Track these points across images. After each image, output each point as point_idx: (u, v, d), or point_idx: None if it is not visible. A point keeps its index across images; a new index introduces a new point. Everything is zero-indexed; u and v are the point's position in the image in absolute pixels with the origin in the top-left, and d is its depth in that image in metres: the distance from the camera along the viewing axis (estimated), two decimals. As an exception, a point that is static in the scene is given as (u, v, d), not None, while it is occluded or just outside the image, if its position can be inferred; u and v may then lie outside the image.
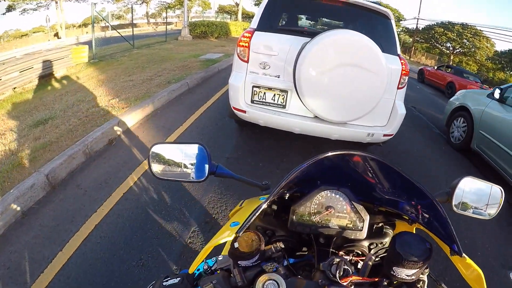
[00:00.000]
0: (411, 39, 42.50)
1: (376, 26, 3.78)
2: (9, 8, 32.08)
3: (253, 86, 3.57)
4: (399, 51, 3.64)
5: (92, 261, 2.49)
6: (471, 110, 5.40)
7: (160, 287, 0.84)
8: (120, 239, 2.69)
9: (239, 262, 0.80)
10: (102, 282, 2.32)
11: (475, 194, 1.08)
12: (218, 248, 0.99)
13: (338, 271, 0.76)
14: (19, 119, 5.75)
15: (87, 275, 2.38)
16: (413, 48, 40.12)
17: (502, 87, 5.01)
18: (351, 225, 0.98)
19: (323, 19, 6.64)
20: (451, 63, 28.91)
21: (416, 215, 1.00)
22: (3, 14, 32.85)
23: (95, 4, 11.90)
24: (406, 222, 1.08)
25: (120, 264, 2.44)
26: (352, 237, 0.99)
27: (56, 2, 34.70)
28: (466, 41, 35.61)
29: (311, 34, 3.29)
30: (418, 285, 0.83)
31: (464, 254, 0.85)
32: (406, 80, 3.56)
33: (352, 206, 0.98)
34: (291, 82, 3.27)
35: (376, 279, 0.80)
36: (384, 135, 3.59)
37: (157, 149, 1.12)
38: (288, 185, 0.97)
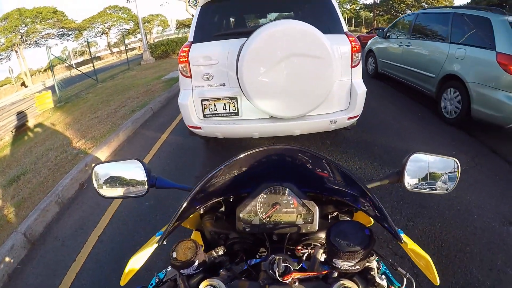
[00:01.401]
0: (371, 14, 42.60)
1: (314, 8, 3.65)
2: (-31, 66, 31.42)
3: (202, 100, 3.45)
4: (345, 29, 3.45)
5: (76, 311, 2.50)
6: (373, 49, 8.45)
7: None
8: (100, 284, 2.71)
9: (181, 271, 0.80)
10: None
11: (429, 169, 1.04)
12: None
13: (277, 269, 0.73)
14: (-7, 181, 5.67)
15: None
16: (375, 23, 40.20)
17: (385, 29, 7.91)
18: (301, 219, 0.96)
19: (267, 15, 6.39)
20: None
21: (357, 202, 0.97)
22: (-36, 72, 32.14)
23: (50, 47, 11.76)
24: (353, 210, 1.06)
25: None
26: (304, 231, 0.96)
27: (16, 52, 34.05)
28: (424, 3, 35.48)
29: (248, 33, 3.07)
30: (371, 272, 0.80)
31: (406, 240, 0.82)
32: (359, 56, 3.37)
33: (299, 199, 0.96)
34: (238, 87, 3.14)
35: (325, 272, 0.78)
36: (349, 118, 3.42)
37: (99, 169, 1.14)
38: (228, 185, 0.98)
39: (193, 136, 4.00)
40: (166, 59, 18.92)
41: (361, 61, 3.47)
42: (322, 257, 0.88)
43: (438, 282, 0.78)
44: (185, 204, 0.91)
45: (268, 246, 0.97)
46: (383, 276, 0.82)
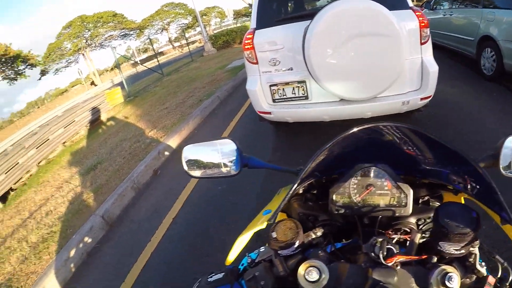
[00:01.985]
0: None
1: None
2: (43, 72, 34.85)
3: (270, 86, 3.56)
4: (410, 4, 3.31)
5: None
6: None
7: (205, 283, 0.86)
8: (174, 263, 2.90)
9: (279, 251, 0.79)
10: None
11: None
12: (260, 241, 1.02)
13: (381, 252, 0.71)
14: (72, 170, 6.29)
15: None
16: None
17: (431, 1, 8.37)
18: (394, 202, 0.94)
19: None
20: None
21: (459, 184, 0.92)
22: (39, 79, 35.74)
23: (115, 47, 12.68)
24: (452, 192, 1.02)
25: (176, 287, 2.64)
26: (397, 214, 0.94)
27: (83, 54, 37.03)
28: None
29: (311, 15, 3.06)
30: (470, 259, 0.76)
31: None
32: (428, 32, 3.21)
33: (393, 181, 0.93)
34: (306, 70, 3.17)
35: (424, 257, 0.76)
36: (422, 99, 3.30)
37: (189, 149, 1.18)
38: (320, 166, 0.98)
39: (262, 121, 4.12)
40: (228, 49, 19.36)
41: (430, 37, 3.28)
42: (418, 241, 0.86)
43: None
44: (296, 185, 0.91)
45: (360, 229, 0.96)
46: (483, 263, 0.78)
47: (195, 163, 1.18)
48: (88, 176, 5.38)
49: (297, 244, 0.78)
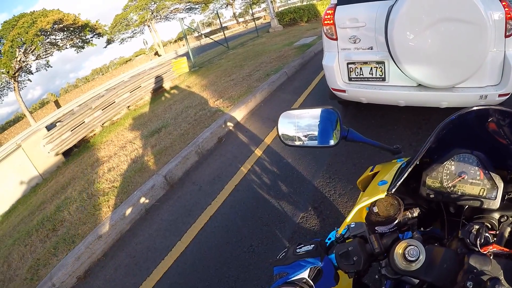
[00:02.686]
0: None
1: None
2: (109, 41, 36.93)
3: (348, 63, 3.56)
4: None
5: (206, 249, 2.87)
6: None
7: (293, 253, 0.85)
8: (233, 228, 2.99)
9: (376, 228, 0.82)
10: (215, 268, 2.65)
11: None
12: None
13: (478, 239, 0.71)
14: (136, 132, 6.63)
15: (202, 261, 2.77)
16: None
17: None
18: (484, 193, 0.93)
19: None
20: None
21: None
22: (105, 47, 37.78)
23: (182, 19, 13.04)
24: None
25: (232, 251, 2.73)
26: (485, 207, 0.93)
27: (149, 26, 38.57)
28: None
29: None
30: None
31: None
32: None
33: (486, 172, 0.92)
34: (386, 51, 3.16)
35: None
36: (500, 96, 3.17)
37: (286, 116, 1.17)
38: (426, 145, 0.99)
39: (333, 99, 4.09)
40: (294, 26, 19.08)
41: None
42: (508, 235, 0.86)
43: None
44: (416, 160, 0.93)
45: (445, 217, 0.97)
46: None
47: (290, 130, 1.16)
48: (152, 138, 5.66)
49: (397, 221, 0.81)
